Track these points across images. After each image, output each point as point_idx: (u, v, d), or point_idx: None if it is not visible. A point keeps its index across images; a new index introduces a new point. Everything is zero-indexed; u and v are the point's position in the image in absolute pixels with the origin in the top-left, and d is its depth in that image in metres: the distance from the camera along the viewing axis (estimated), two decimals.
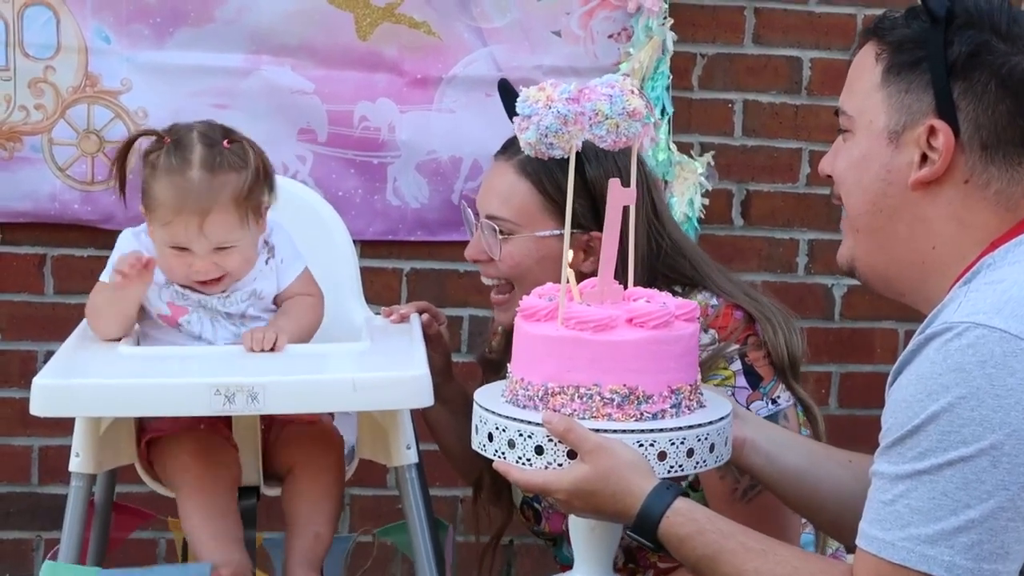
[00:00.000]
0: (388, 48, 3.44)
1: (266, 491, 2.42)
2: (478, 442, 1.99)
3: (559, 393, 1.92)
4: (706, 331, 2.39)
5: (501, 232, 2.48)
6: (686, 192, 3.51)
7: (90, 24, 3.35)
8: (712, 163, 3.58)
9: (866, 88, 1.90)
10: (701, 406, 2.00)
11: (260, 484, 2.40)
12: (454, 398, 2.69)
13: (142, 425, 2.40)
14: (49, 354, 2.95)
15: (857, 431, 3.56)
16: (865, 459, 2.09)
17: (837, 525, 2.13)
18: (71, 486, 2.25)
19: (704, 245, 3.16)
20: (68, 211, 3.41)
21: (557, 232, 2.42)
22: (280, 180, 2.45)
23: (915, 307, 1.93)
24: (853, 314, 3.72)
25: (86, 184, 3.40)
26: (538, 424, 1.91)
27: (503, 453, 1.94)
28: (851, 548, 2.11)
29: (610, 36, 3.50)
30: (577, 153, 1.96)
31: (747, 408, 2.31)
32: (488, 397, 2.02)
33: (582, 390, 1.91)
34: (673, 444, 1.92)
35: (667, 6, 3.47)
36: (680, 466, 1.93)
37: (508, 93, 2.32)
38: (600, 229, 2.09)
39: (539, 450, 1.91)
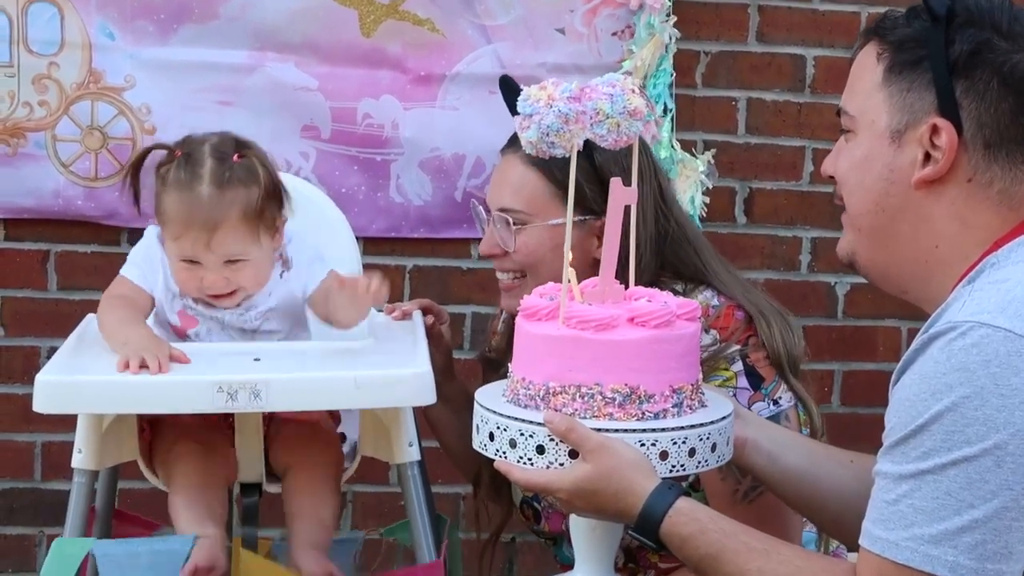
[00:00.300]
0: (392, 45, 3.44)
1: (268, 488, 2.42)
2: (479, 442, 1.99)
3: (560, 392, 1.92)
4: (707, 331, 2.39)
5: (514, 223, 2.48)
6: (688, 190, 3.51)
7: (94, 20, 3.35)
8: (712, 161, 3.58)
9: (868, 88, 1.90)
10: (703, 406, 2.00)
11: (263, 481, 2.40)
12: (455, 397, 2.69)
13: (143, 424, 2.39)
14: (52, 350, 2.95)
15: (860, 429, 3.56)
16: (866, 459, 2.09)
17: (838, 524, 2.13)
18: (73, 482, 2.26)
19: None
20: (72, 207, 3.41)
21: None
22: (283, 177, 2.45)
23: (917, 304, 1.93)
24: (856, 312, 3.71)
25: (89, 180, 3.40)
26: (540, 424, 1.91)
27: (504, 453, 1.94)
28: (852, 547, 2.11)
29: (613, 33, 3.50)
30: (585, 140, 1.97)
31: (749, 409, 2.31)
32: (489, 397, 2.02)
33: (583, 389, 1.91)
34: (675, 444, 1.92)
35: (670, 3, 3.47)
36: (682, 466, 1.92)
37: (510, 89, 2.32)
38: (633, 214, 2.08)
39: (540, 449, 1.91)
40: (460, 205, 3.49)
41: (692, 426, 1.93)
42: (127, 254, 2.43)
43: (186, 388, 2.13)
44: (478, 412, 2.00)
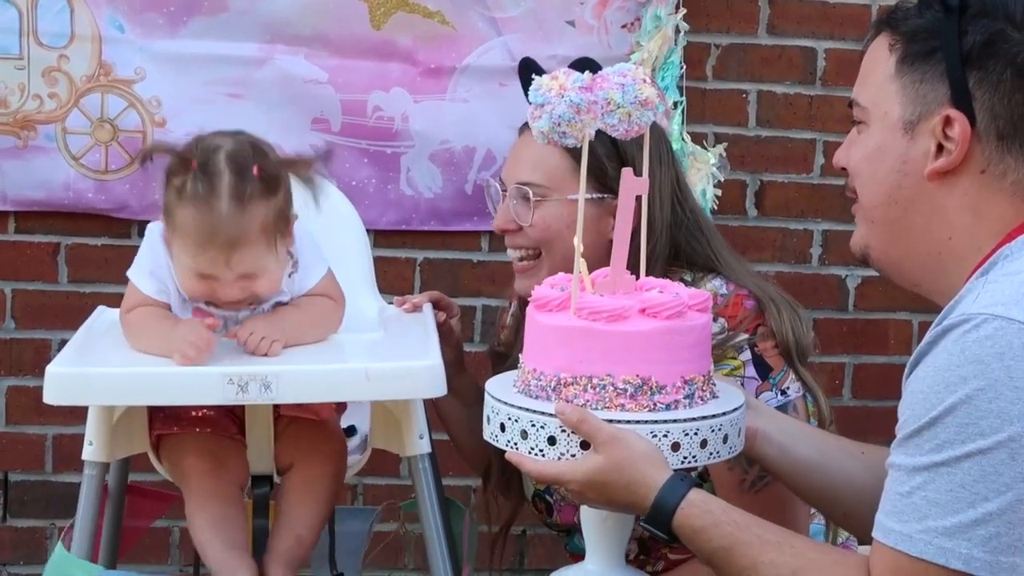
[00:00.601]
0: (402, 37, 3.44)
1: (279, 480, 2.42)
2: (490, 433, 1.99)
3: (572, 383, 1.91)
4: (715, 320, 2.38)
5: (534, 196, 2.47)
6: (699, 183, 3.50)
7: (104, 13, 3.35)
8: (724, 154, 3.57)
9: (880, 79, 1.89)
10: (714, 397, 1.99)
11: (273, 473, 2.40)
12: (465, 390, 2.69)
13: (151, 417, 2.39)
14: (63, 342, 2.96)
15: (871, 422, 3.56)
16: (877, 450, 2.08)
17: (849, 516, 2.12)
18: (84, 474, 2.25)
19: None
20: (82, 200, 3.41)
21: (589, 196, 2.39)
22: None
23: (929, 297, 1.93)
24: (867, 305, 3.71)
25: (100, 173, 3.40)
26: (551, 415, 1.90)
27: (515, 444, 1.94)
28: (863, 539, 2.10)
29: (623, 26, 3.49)
30: None
31: (756, 399, 2.31)
32: (500, 387, 2.01)
33: (595, 380, 1.90)
34: (687, 435, 1.91)
35: None
36: (694, 457, 1.92)
37: (529, 72, 2.28)
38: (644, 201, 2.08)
39: (552, 441, 1.91)
40: (470, 198, 3.49)
41: (704, 417, 1.93)
42: (138, 247, 2.40)
43: (197, 380, 2.12)
44: (489, 403, 2.00)
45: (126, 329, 2.29)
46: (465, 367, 2.75)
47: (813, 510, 2.41)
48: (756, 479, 2.31)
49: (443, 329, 2.59)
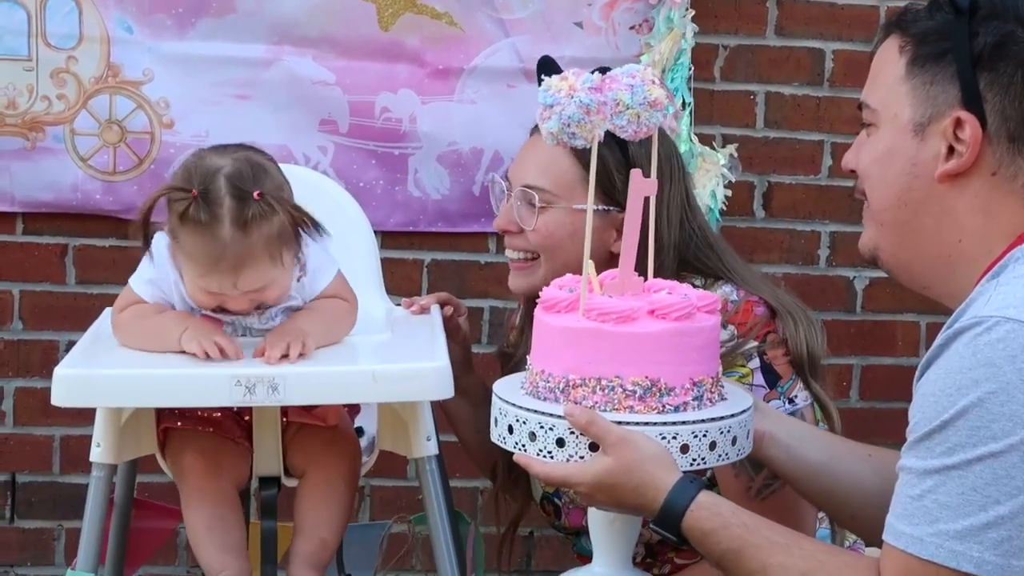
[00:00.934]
0: (410, 39, 3.43)
1: (287, 482, 2.42)
2: (498, 434, 1.98)
3: (580, 385, 1.91)
4: (725, 327, 2.38)
5: (539, 202, 2.46)
6: (708, 184, 3.50)
7: (112, 14, 3.35)
8: (735, 155, 3.57)
9: (890, 81, 1.89)
10: (722, 399, 1.99)
11: (281, 475, 2.40)
12: (473, 390, 2.68)
13: (159, 415, 2.39)
14: (71, 344, 2.96)
15: (878, 424, 3.55)
16: (885, 453, 2.08)
17: (857, 519, 2.12)
18: (92, 476, 2.25)
19: (725, 237, 3.15)
20: (90, 201, 3.41)
21: (596, 207, 2.37)
22: (301, 171, 2.44)
23: (939, 300, 1.92)
24: (875, 306, 3.70)
25: (108, 174, 3.40)
26: (560, 416, 1.90)
27: (524, 446, 1.93)
28: (870, 542, 2.10)
29: (632, 27, 3.49)
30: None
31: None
32: (507, 389, 2.01)
33: (604, 382, 1.90)
34: (696, 437, 1.91)
35: None
36: (702, 459, 1.92)
37: (547, 70, 2.26)
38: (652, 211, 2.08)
39: (560, 442, 1.90)
40: (478, 199, 3.49)
41: (713, 419, 1.93)
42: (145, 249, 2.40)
43: (204, 381, 2.12)
44: (496, 405, 1.99)
45: (119, 328, 2.30)
46: (473, 367, 2.75)
47: (821, 514, 2.41)
48: (763, 486, 2.30)
49: (450, 326, 2.58)
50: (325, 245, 2.36)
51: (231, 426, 2.37)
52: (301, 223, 2.22)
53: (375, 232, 2.85)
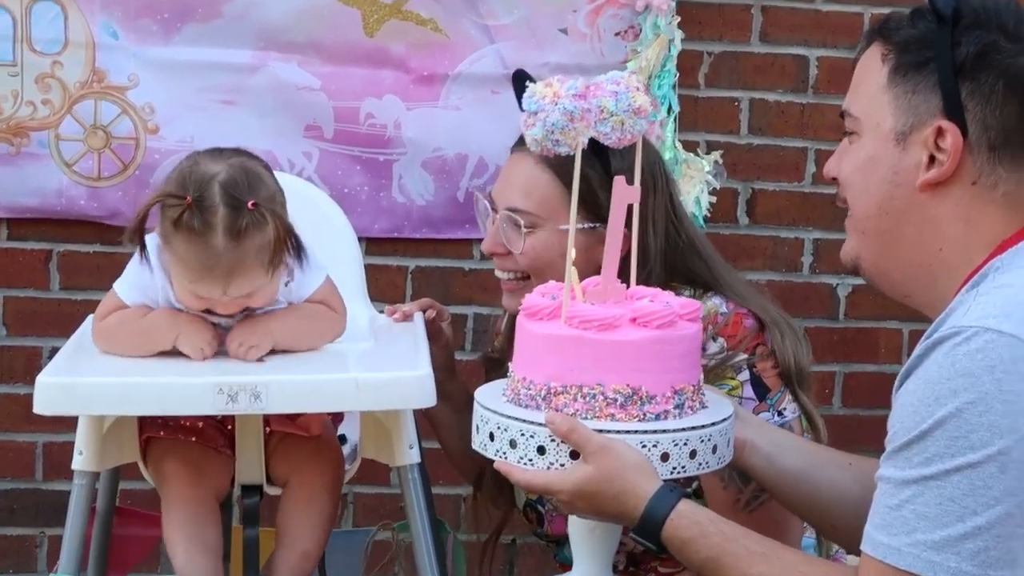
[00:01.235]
0: (395, 45, 3.43)
1: (269, 490, 2.41)
2: (479, 442, 1.98)
3: (562, 393, 1.91)
4: (715, 339, 2.38)
5: (525, 226, 2.46)
6: (692, 190, 3.50)
7: (98, 19, 3.35)
8: (719, 161, 3.57)
9: (872, 90, 1.89)
10: (703, 407, 1.99)
11: (263, 483, 2.40)
12: (456, 395, 2.68)
13: (142, 423, 2.39)
14: (54, 350, 2.94)
15: (861, 431, 3.56)
16: (865, 461, 2.08)
17: (837, 527, 2.12)
18: (74, 484, 2.24)
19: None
20: (75, 207, 3.40)
21: (582, 225, 2.38)
22: (286, 178, 2.42)
23: (919, 309, 1.93)
24: (857, 314, 3.71)
25: (93, 180, 3.40)
26: (541, 424, 1.90)
27: (505, 453, 1.93)
28: (851, 549, 2.10)
29: (617, 34, 3.49)
30: (602, 145, 1.96)
31: (744, 409, 2.30)
32: (489, 396, 2.01)
33: (585, 390, 1.90)
34: (676, 445, 1.91)
35: (675, 4, 3.46)
36: (683, 467, 1.92)
37: (523, 82, 2.27)
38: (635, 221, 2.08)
39: (541, 450, 1.90)
40: (463, 205, 3.49)
41: (693, 428, 1.93)
42: (130, 254, 2.39)
43: (186, 390, 2.12)
44: (478, 412, 1.99)
45: (103, 333, 2.29)
46: (456, 372, 2.74)
47: (806, 525, 2.41)
48: (751, 498, 2.30)
49: (432, 330, 2.58)
50: (314, 253, 2.36)
51: (214, 435, 2.36)
52: (288, 240, 2.22)
53: (359, 238, 2.84)
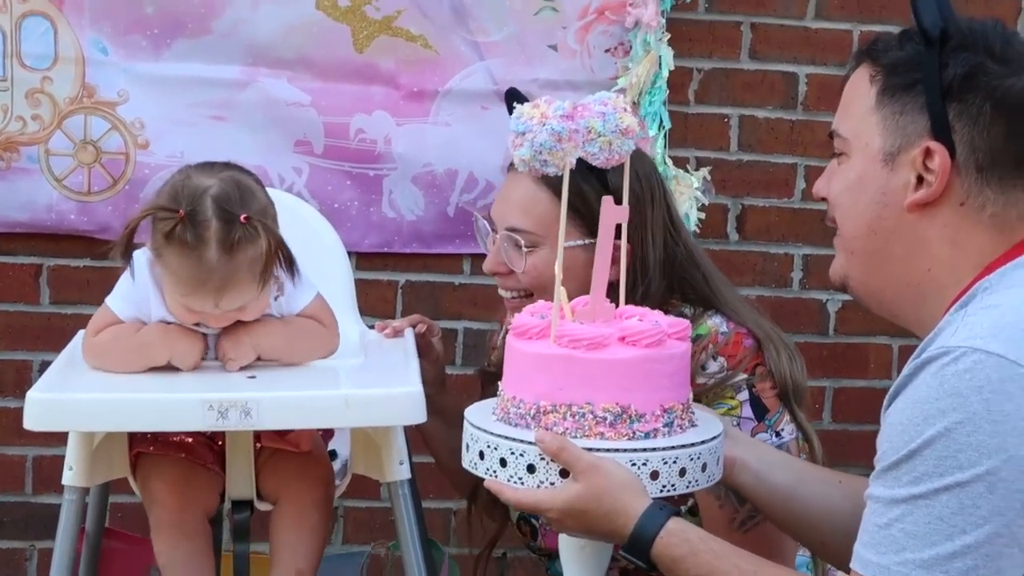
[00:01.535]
0: (385, 61, 3.44)
1: (259, 506, 2.41)
2: (469, 460, 1.99)
3: (551, 411, 1.92)
4: (715, 359, 2.38)
5: (526, 245, 2.47)
6: (682, 206, 3.51)
7: (88, 35, 3.35)
8: (708, 178, 3.58)
9: (861, 111, 1.90)
10: (693, 425, 2.00)
11: (254, 499, 2.40)
12: (448, 409, 2.68)
13: (132, 438, 2.39)
14: (44, 364, 2.95)
15: (850, 446, 3.56)
16: (855, 479, 2.09)
17: (827, 545, 2.13)
18: (64, 499, 2.25)
19: None
20: (65, 221, 3.40)
21: (582, 242, 2.39)
22: (276, 194, 2.42)
23: (908, 328, 1.93)
24: (847, 329, 3.71)
25: (83, 195, 3.40)
26: (530, 443, 1.91)
27: (495, 471, 1.94)
28: (840, 567, 2.11)
29: (607, 50, 3.50)
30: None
31: (734, 427, 2.31)
32: (479, 415, 2.01)
33: (574, 408, 1.91)
34: (666, 463, 1.92)
35: (664, 21, 3.47)
36: (672, 485, 1.92)
37: (515, 101, 2.28)
38: (624, 238, 2.08)
39: (531, 469, 1.91)
40: (453, 220, 3.50)
41: (683, 446, 1.93)
42: (121, 269, 2.39)
43: (176, 406, 2.12)
44: (468, 430, 2.00)
45: (95, 349, 2.30)
46: (447, 386, 2.74)
47: (799, 544, 2.41)
48: (747, 518, 2.31)
49: (423, 344, 2.58)
50: (304, 270, 2.36)
51: (203, 452, 2.37)
52: (279, 253, 2.23)
53: (349, 253, 2.85)
